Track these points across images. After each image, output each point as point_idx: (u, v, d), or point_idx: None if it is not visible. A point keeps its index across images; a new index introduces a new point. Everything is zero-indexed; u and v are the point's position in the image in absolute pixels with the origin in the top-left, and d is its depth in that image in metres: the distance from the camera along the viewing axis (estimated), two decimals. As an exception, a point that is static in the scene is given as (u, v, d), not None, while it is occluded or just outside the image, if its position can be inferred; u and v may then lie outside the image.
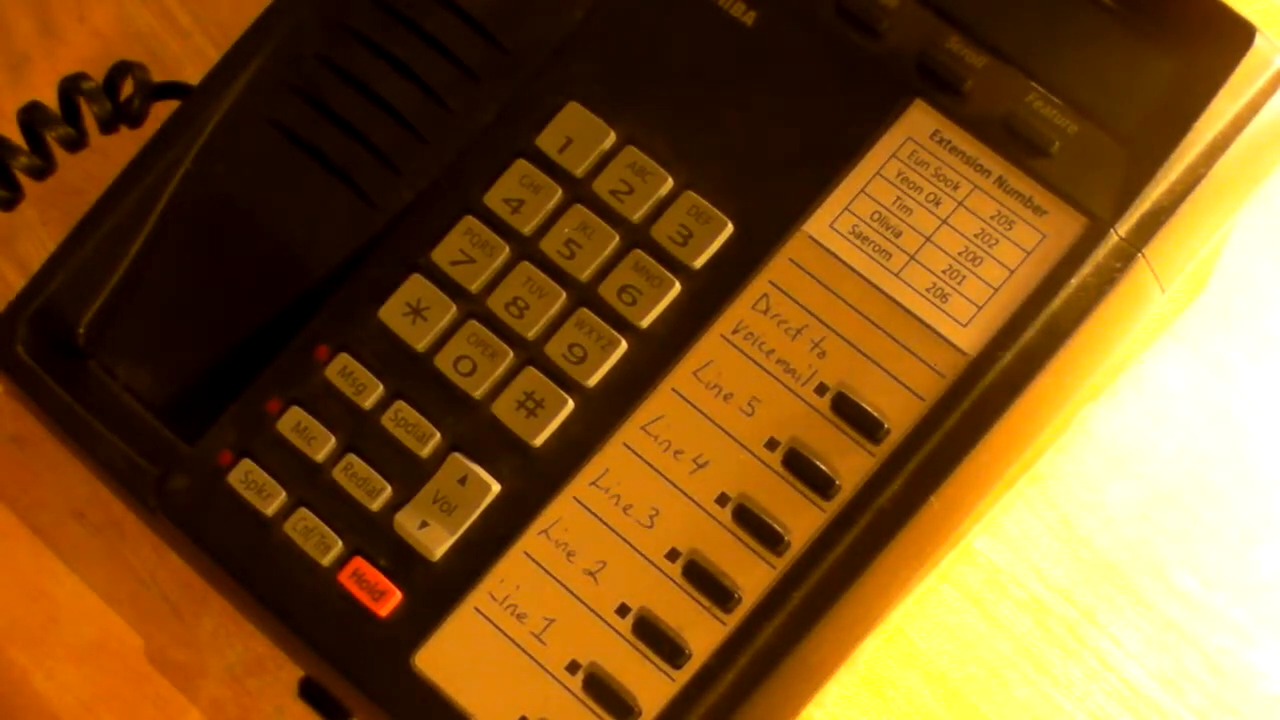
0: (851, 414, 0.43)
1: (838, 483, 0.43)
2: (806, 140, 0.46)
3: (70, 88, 0.52)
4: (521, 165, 0.47)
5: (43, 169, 0.52)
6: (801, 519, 0.43)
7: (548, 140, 0.47)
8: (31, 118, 0.52)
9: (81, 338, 0.49)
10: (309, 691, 0.48)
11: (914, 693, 0.52)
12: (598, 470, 0.44)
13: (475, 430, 0.45)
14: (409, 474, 0.45)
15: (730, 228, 0.45)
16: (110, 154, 0.51)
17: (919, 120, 0.45)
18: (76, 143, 0.52)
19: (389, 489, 0.45)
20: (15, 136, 0.52)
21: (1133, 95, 0.44)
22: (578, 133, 0.47)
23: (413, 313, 0.46)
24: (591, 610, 0.43)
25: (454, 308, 0.46)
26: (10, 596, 0.50)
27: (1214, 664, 0.52)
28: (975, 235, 0.44)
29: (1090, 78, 0.45)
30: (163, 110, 0.51)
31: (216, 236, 0.49)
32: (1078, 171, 0.44)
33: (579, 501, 0.44)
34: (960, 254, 0.44)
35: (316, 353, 0.47)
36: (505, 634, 0.44)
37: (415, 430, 0.45)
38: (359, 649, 0.44)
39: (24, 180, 0.53)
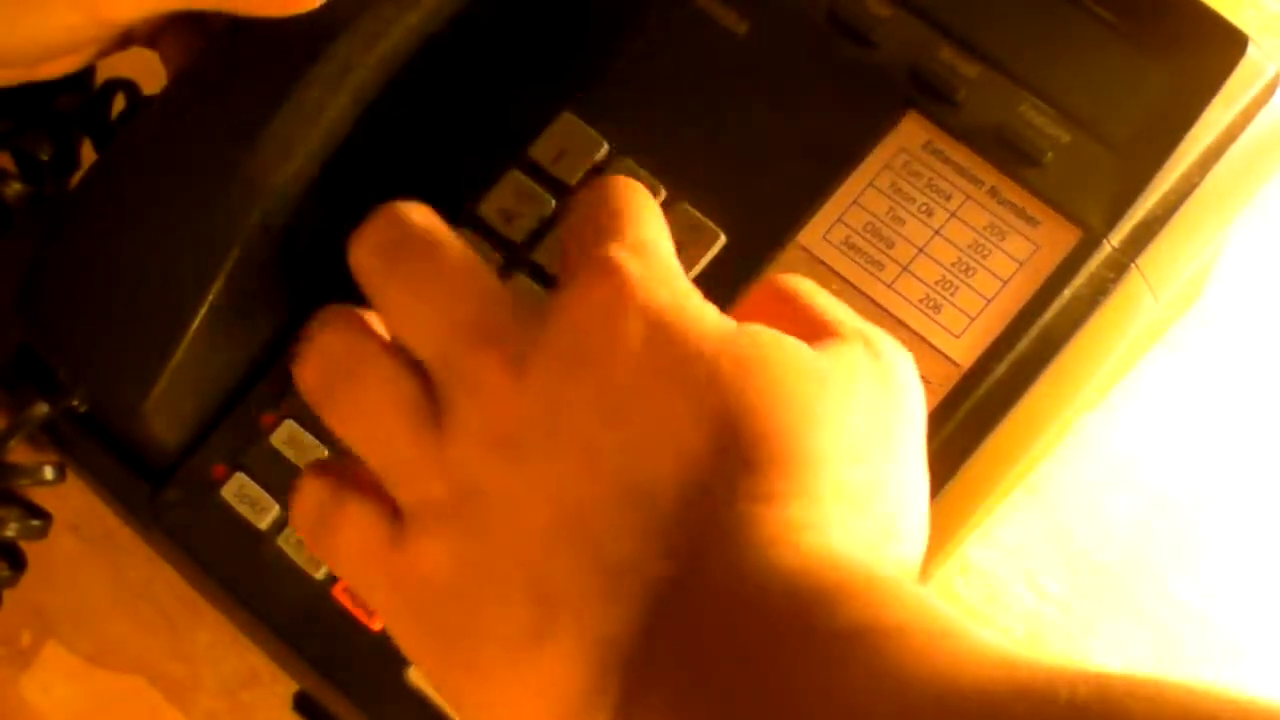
0: (844, 426, 0.43)
1: (831, 495, 0.43)
2: (799, 151, 0.46)
3: None
4: (515, 176, 0.47)
5: (37, 195, 0.51)
6: (795, 531, 0.43)
7: (541, 151, 0.47)
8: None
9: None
10: (303, 705, 0.48)
11: (910, 704, 0.52)
12: (590, 483, 0.44)
13: (468, 443, 0.45)
14: (401, 487, 0.45)
15: (723, 239, 0.45)
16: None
17: (912, 130, 0.45)
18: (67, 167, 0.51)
19: (381, 502, 0.45)
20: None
21: (1125, 105, 0.44)
22: (571, 143, 0.47)
23: (405, 325, 0.46)
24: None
25: (447, 320, 0.46)
26: (4, 610, 0.49)
27: (1211, 673, 0.52)
28: (968, 246, 0.44)
29: (1083, 87, 0.45)
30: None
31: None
32: (1070, 181, 0.44)
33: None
34: (953, 265, 0.44)
35: (310, 365, 0.46)
36: (498, 647, 0.43)
37: (408, 443, 0.45)
38: (352, 662, 0.44)
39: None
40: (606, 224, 0.38)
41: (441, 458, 0.36)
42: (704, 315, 0.36)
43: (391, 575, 0.36)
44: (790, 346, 0.36)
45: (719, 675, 0.32)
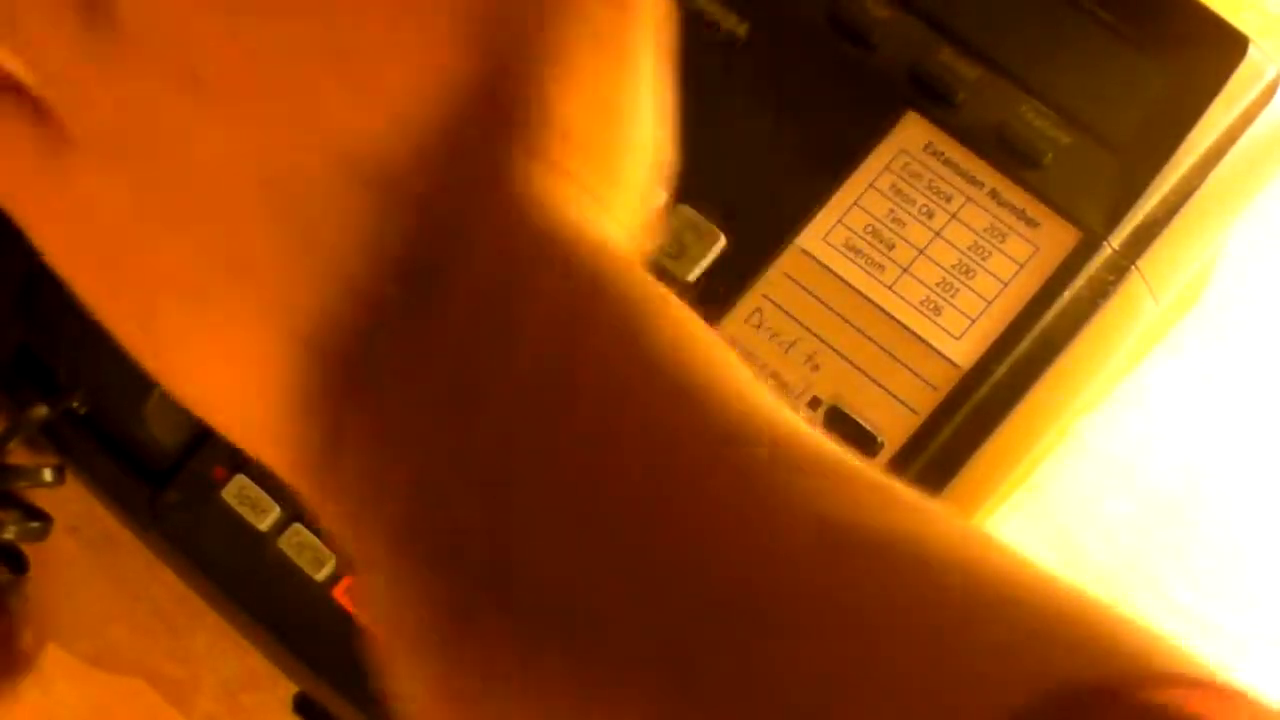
0: (845, 428, 0.43)
1: (831, 496, 0.43)
2: (800, 153, 0.46)
3: None
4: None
5: None
6: (795, 533, 0.43)
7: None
8: None
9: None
10: (303, 707, 0.48)
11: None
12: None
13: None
14: (402, 489, 0.45)
15: (723, 241, 0.45)
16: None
17: (912, 132, 0.45)
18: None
19: (382, 504, 0.45)
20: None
21: (1126, 106, 0.44)
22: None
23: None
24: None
25: (447, 322, 0.46)
26: (4, 612, 0.49)
27: (1211, 676, 0.52)
28: (968, 248, 0.44)
29: (1083, 89, 0.45)
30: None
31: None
32: (1070, 183, 0.44)
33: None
34: (953, 266, 0.44)
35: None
36: (499, 649, 0.43)
37: (408, 445, 0.45)
38: (352, 664, 0.44)
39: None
40: None
41: (114, 75, 0.29)
42: None
43: (53, 205, 0.30)
44: None
45: (454, 382, 0.27)
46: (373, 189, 0.28)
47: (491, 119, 0.28)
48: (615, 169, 0.30)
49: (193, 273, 0.29)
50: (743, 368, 0.27)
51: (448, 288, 0.27)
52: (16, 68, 0.30)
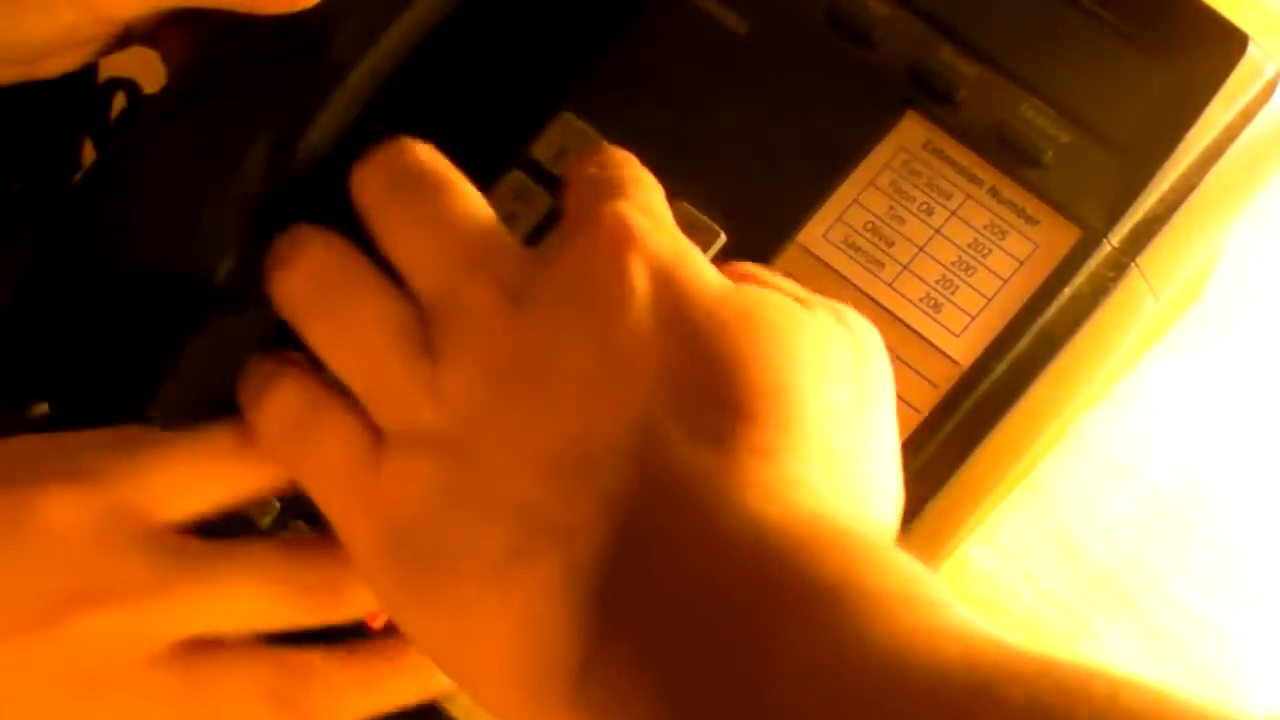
0: (844, 425, 0.43)
1: (831, 494, 0.43)
2: (799, 150, 0.46)
3: None
4: (516, 177, 0.47)
5: (37, 195, 0.51)
6: (795, 530, 0.43)
7: (541, 151, 0.47)
8: None
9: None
10: (303, 705, 0.48)
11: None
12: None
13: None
14: (402, 486, 0.45)
15: (723, 238, 0.45)
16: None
17: (912, 130, 0.45)
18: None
19: (382, 501, 0.45)
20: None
21: (1125, 104, 0.44)
22: (571, 143, 0.47)
23: (406, 324, 0.46)
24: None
25: (447, 319, 0.46)
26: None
27: (1209, 674, 0.52)
28: (968, 245, 0.44)
29: (1083, 87, 0.45)
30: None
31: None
32: (1070, 181, 0.44)
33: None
34: (953, 264, 0.44)
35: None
36: (498, 646, 0.43)
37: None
38: (352, 662, 0.44)
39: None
40: (612, 186, 0.38)
41: (435, 385, 0.36)
42: (706, 269, 0.37)
43: (369, 498, 0.36)
44: (787, 306, 0.37)
45: (690, 621, 0.32)
46: (598, 481, 0.34)
47: (721, 416, 0.35)
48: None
49: (489, 529, 0.34)
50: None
51: (673, 543, 0.33)
52: (348, 379, 0.37)
